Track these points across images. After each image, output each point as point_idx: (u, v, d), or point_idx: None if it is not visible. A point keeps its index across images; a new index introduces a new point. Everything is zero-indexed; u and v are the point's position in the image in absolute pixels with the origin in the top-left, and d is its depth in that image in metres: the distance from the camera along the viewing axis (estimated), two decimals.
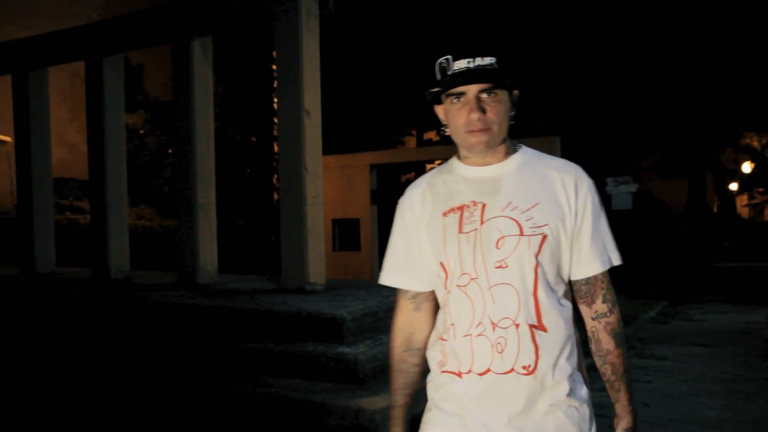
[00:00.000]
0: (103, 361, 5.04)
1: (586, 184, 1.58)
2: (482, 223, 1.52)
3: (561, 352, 1.52)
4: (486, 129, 1.52)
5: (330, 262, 13.07)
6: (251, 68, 14.15)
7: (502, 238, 1.51)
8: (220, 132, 12.66)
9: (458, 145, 1.60)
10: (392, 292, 1.71)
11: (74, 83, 15.36)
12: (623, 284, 10.42)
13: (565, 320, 1.54)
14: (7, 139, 13.40)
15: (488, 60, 1.51)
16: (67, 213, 13.73)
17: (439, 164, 1.71)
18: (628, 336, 7.05)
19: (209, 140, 6.43)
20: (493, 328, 1.49)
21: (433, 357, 1.63)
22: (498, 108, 1.53)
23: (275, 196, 12.02)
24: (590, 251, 1.56)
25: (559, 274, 1.55)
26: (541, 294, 1.50)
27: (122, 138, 7.25)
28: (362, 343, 4.40)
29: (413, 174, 15.34)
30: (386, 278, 1.70)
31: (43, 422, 4.17)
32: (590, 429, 1.56)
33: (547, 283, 1.51)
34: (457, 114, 1.54)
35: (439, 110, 1.63)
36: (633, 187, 13.40)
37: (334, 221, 13.34)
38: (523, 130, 13.40)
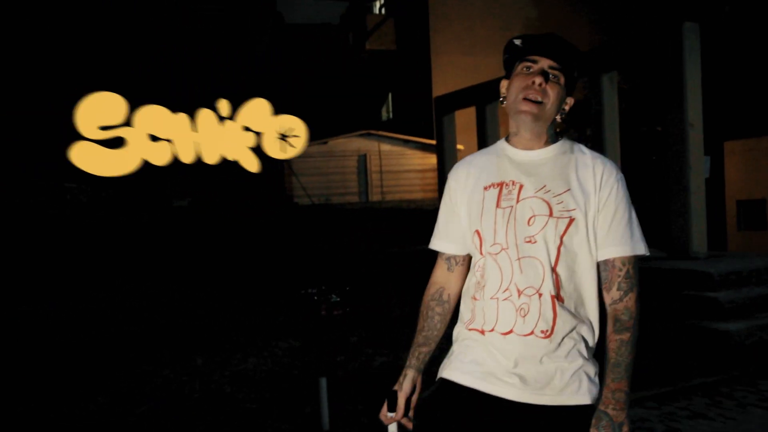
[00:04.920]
0: None
1: (614, 177, 1.73)
2: (518, 201, 1.71)
3: (576, 322, 1.70)
4: (539, 102, 1.71)
5: (733, 240, 14.03)
6: (651, 70, 15.69)
7: (533, 216, 1.70)
8: (627, 124, 14.61)
9: (509, 114, 1.79)
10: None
11: None
12: None
13: (582, 295, 1.72)
14: (461, 147, 17.60)
15: (567, 50, 1.75)
16: None
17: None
18: None
19: (616, 145, 8.67)
20: (519, 295, 1.68)
21: (463, 313, 1.85)
22: (556, 90, 1.72)
23: None
24: (607, 236, 1.71)
25: (582, 255, 1.71)
26: (561, 269, 1.68)
27: None
28: (724, 290, 6.24)
29: None
30: (432, 243, 1.93)
31: None
32: (589, 392, 1.70)
33: (568, 260, 1.69)
34: (521, 78, 1.73)
35: (504, 84, 1.82)
36: None
37: (739, 202, 14.18)
38: None
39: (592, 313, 1.74)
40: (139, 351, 5.99)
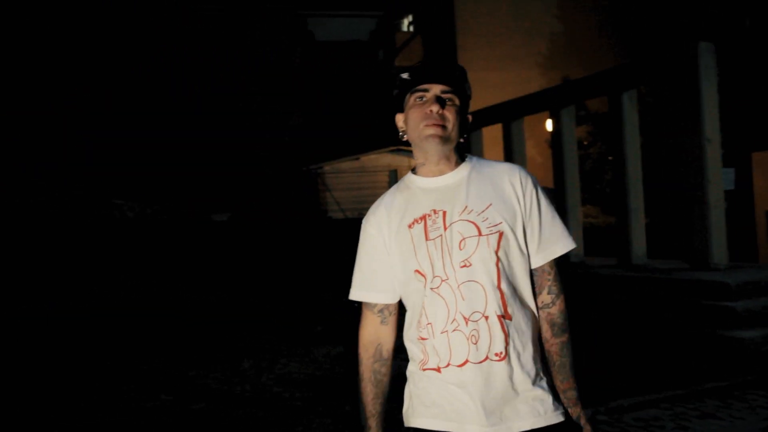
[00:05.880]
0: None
1: (531, 181, 1.74)
2: (445, 228, 1.68)
3: (526, 337, 1.67)
4: (441, 124, 1.69)
5: (764, 251, 14.16)
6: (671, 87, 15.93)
7: (463, 239, 1.66)
8: (654, 136, 14.87)
9: (414, 145, 1.76)
10: None
11: None
12: None
13: (529, 307, 1.71)
14: None
15: (454, 70, 1.75)
16: None
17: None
18: None
19: (637, 162, 9.01)
20: (466, 323, 1.63)
21: (414, 356, 1.75)
22: (454, 112, 1.72)
23: None
24: (538, 243, 1.72)
25: (519, 266, 1.70)
26: (504, 286, 1.65)
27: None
28: (742, 300, 6.54)
29: None
30: (355, 294, 1.82)
31: None
32: (556, 409, 1.69)
33: (508, 275, 1.67)
34: (417, 109, 1.72)
35: (399, 118, 1.81)
36: None
37: None
38: None
39: (537, 321, 1.75)
40: (188, 356, 6.50)
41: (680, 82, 8.16)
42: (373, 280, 1.79)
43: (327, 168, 18.48)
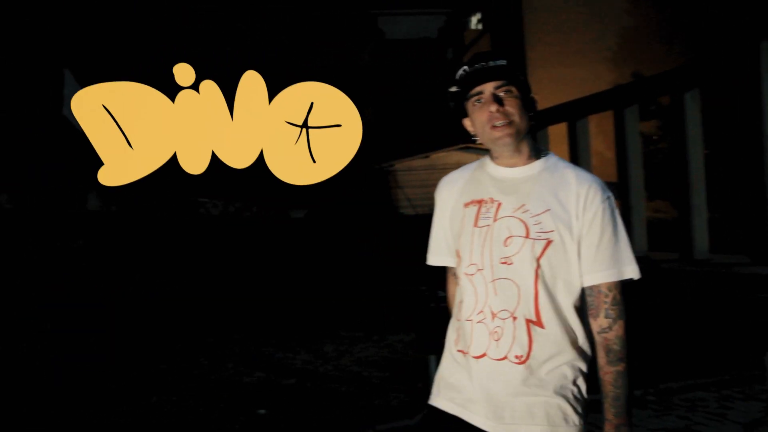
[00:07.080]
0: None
1: (600, 197, 1.66)
2: (495, 220, 1.68)
3: (558, 349, 1.63)
4: (508, 122, 1.67)
5: None
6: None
7: (510, 237, 1.65)
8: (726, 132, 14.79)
9: (487, 146, 1.75)
10: None
11: None
12: None
13: (567, 321, 1.65)
14: None
15: (500, 62, 1.69)
16: None
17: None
18: None
19: (699, 159, 9.25)
20: (492, 318, 1.64)
21: (449, 331, 1.80)
22: (515, 102, 1.68)
23: None
24: (593, 261, 1.64)
25: (564, 279, 1.65)
26: (540, 293, 1.63)
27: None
28: None
29: None
30: (430, 259, 1.89)
31: None
32: (576, 426, 1.63)
33: (547, 284, 1.63)
34: (479, 113, 1.70)
35: (467, 123, 1.78)
36: None
37: None
38: None
39: (582, 339, 1.68)
40: (276, 340, 7.27)
41: (742, 81, 8.40)
42: (439, 246, 1.86)
43: (398, 166, 19.15)
